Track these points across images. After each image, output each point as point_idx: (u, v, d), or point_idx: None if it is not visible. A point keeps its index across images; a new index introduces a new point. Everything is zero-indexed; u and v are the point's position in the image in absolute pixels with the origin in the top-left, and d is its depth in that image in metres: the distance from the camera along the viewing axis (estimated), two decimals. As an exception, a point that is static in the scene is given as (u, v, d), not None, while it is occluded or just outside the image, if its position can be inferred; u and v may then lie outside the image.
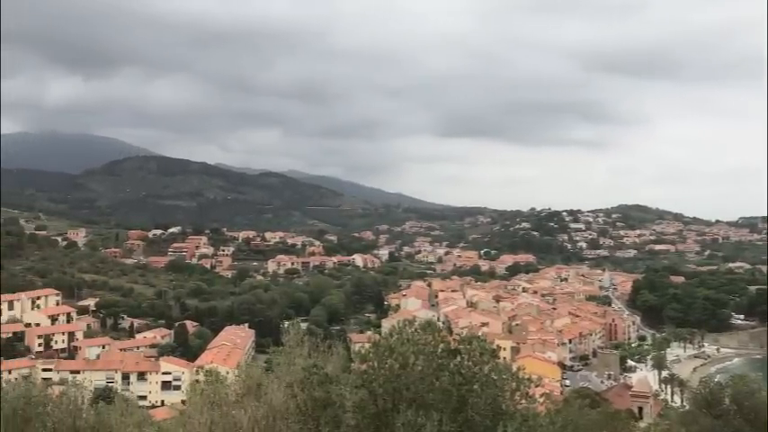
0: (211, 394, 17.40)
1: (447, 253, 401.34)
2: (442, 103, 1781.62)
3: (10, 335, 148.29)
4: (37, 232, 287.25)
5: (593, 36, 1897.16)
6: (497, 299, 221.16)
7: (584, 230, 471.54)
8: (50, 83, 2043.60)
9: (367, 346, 17.10)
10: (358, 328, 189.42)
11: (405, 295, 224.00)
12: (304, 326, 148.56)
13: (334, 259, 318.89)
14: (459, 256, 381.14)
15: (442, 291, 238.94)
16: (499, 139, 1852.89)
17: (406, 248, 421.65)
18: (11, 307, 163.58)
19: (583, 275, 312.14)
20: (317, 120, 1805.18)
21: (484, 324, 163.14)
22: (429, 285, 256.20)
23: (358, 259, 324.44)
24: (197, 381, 19.12)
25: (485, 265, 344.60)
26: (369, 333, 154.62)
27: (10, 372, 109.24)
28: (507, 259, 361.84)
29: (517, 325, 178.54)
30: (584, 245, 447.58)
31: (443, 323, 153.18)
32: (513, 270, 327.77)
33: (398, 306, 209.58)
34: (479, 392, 15.58)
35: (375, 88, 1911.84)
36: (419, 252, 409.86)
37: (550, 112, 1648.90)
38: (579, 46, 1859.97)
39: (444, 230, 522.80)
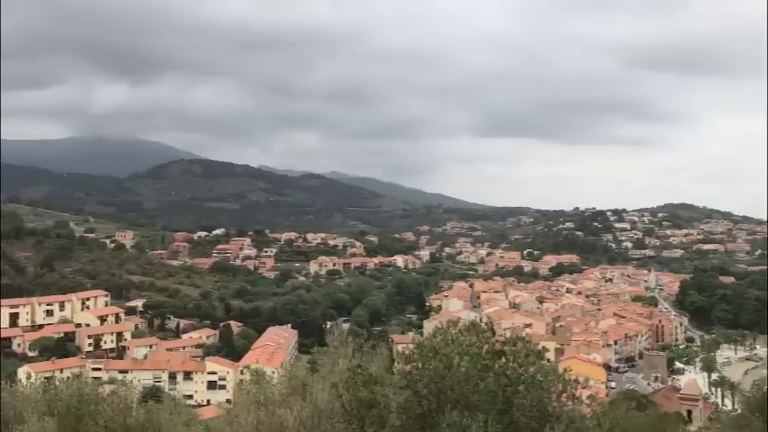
0: (257, 394, 17.60)
1: (489, 254, 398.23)
2: (482, 102, 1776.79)
3: (61, 335, 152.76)
4: (86, 235, 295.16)
5: (637, 33, 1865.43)
6: (541, 300, 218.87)
7: (629, 230, 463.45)
8: (98, 89, 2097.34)
9: (411, 346, 17.09)
10: (399, 329, 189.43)
11: (446, 296, 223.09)
12: (346, 326, 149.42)
13: (376, 260, 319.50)
14: (502, 257, 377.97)
15: (485, 292, 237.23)
16: (541, 139, 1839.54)
17: (447, 249, 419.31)
18: (62, 308, 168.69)
19: (628, 276, 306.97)
20: (356, 122, 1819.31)
21: (527, 325, 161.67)
22: (471, 286, 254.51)
23: (399, 260, 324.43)
24: (242, 380, 19.36)
25: (528, 266, 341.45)
26: (411, 334, 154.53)
27: (62, 371, 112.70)
28: (550, 260, 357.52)
29: (561, 326, 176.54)
30: (629, 245, 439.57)
31: (486, 324, 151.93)
32: (557, 271, 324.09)
33: (440, 307, 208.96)
34: (525, 394, 15.45)
35: (414, 89, 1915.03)
36: (460, 253, 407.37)
37: (593, 110, 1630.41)
38: (622, 43, 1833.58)
39: (486, 231, 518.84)
